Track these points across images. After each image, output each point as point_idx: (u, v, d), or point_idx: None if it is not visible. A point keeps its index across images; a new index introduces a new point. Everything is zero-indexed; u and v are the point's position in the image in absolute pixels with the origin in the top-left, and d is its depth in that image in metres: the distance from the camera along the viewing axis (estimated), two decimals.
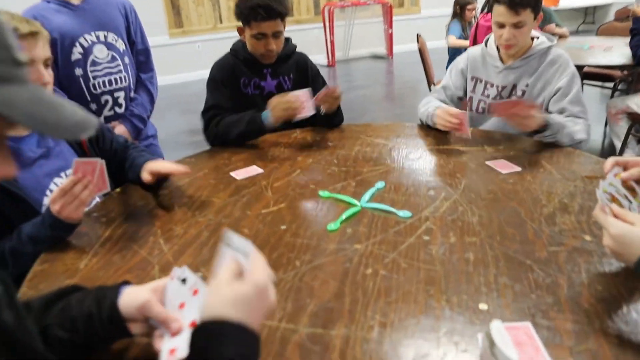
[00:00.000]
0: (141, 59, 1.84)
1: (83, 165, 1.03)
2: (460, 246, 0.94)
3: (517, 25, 1.47)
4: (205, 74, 1.76)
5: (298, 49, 1.84)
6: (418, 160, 1.40)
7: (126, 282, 0.68)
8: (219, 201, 1.23)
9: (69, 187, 1.01)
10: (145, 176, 1.22)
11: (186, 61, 6.49)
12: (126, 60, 1.76)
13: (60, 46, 1.58)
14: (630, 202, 0.79)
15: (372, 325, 0.74)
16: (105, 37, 1.68)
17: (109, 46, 1.69)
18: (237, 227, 1.09)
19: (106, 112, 1.74)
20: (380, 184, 1.24)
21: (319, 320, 0.77)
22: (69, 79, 1.64)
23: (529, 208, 1.07)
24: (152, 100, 1.86)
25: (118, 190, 1.34)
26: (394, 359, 0.68)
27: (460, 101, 1.76)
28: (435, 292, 0.81)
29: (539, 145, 1.46)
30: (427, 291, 0.82)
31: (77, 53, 1.62)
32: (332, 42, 6.59)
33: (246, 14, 1.60)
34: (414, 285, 0.83)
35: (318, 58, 6.86)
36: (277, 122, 1.56)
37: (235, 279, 0.56)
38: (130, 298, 0.64)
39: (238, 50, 1.75)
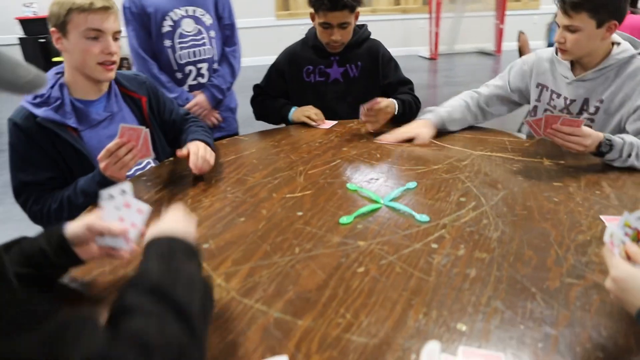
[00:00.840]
0: (227, 33, 1.95)
1: (128, 131, 1.14)
2: (466, 260, 0.88)
3: (568, 29, 1.28)
4: None
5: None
6: (463, 164, 1.32)
7: None
8: (252, 180, 1.28)
9: (113, 148, 1.12)
10: (179, 152, 1.30)
11: (290, 43, 6.71)
12: (212, 34, 1.87)
13: (154, 19, 1.75)
14: None
15: (339, 323, 0.74)
16: (194, 11, 1.81)
17: (197, 20, 1.82)
18: (257, 207, 1.13)
19: (190, 81, 1.89)
20: (411, 184, 1.20)
21: (292, 308, 0.78)
22: (159, 49, 1.81)
23: (562, 232, 0.96)
24: (233, 73, 1.96)
25: (171, 158, 1.46)
26: None
27: (517, 105, 1.60)
28: (417, 302, 0.78)
29: (607, 164, 1.29)
30: (409, 300, 0.78)
31: (167, 26, 1.77)
32: (436, 34, 6.35)
33: (313, 2, 1.61)
34: (399, 292, 0.80)
35: (420, 50, 6.65)
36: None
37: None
38: (76, 224, 0.76)
39: (309, 37, 1.78)
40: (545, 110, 1.49)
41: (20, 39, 5.54)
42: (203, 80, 1.90)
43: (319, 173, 1.31)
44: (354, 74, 1.78)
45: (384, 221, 1.04)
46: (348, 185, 1.22)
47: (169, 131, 1.49)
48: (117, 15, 1.25)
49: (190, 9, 1.81)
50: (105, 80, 1.29)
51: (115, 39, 1.26)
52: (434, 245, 0.94)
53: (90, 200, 1.18)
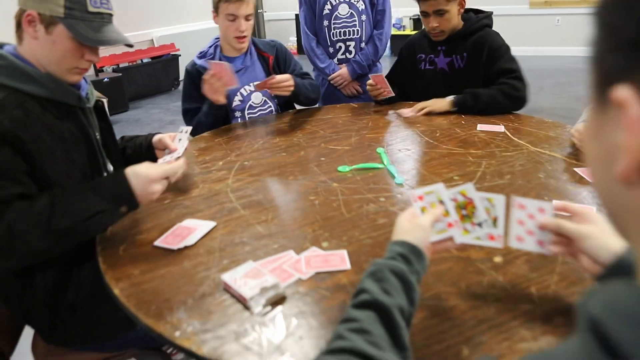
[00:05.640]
0: (378, 17, 2.26)
1: (216, 66, 1.59)
2: (389, 213, 1.02)
3: None
4: (563, 50, 1.88)
5: None
6: (504, 154, 1.31)
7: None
8: (276, 160, 1.60)
9: (208, 78, 1.61)
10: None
11: (544, 34, 6.18)
12: (363, 17, 2.21)
13: (318, 3, 2.21)
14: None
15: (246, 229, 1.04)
16: None
17: (351, 5, 2.19)
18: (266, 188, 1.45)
19: (339, 55, 2.29)
20: (399, 179, 1.30)
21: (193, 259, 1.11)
22: (320, 27, 2.26)
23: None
24: (376, 53, 2.26)
25: (291, 111, 1.89)
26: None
27: None
28: (318, 222, 1.00)
29: None
30: (314, 220, 1.01)
31: (327, 9, 2.20)
32: None
33: None
34: (314, 216, 1.03)
35: None
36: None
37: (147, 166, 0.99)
38: (157, 137, 1.27)
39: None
40: None
41: (296, 15, 6.95)
42: (350, 56, 2.26)
43: (341, 152, 1.53)
44: (459, 65, 1.79)
45: (371, 176, 1.22)
46: (339, 167, 1.29)
47: None
48: (250, 3, 1.70)
49: None
50: (239, 49, 1.80)
51: (247, 20, 1.73)
52: (382, 199, 1.09)
53: (209, 119, 1.73)
